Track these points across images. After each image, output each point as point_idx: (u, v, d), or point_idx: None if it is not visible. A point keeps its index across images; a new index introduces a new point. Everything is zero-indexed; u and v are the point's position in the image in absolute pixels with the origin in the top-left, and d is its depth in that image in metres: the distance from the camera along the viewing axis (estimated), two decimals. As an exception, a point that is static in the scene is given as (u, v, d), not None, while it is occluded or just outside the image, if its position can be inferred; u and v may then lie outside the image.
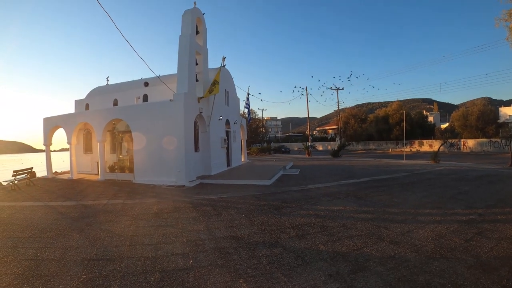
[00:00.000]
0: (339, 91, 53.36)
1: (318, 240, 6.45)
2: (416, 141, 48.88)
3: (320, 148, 64.29)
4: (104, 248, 6.41)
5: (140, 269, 5.33)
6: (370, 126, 57.07)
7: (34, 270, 5.49)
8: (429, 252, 5.68)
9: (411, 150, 47.69)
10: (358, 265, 5.19)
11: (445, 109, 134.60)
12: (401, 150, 43.69)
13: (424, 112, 75.53)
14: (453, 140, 43.56)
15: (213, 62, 31.47)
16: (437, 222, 7.57)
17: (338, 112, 58.38)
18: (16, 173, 16.02)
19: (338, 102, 55.48)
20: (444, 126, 66.84)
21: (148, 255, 5.94)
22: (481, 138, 41.48)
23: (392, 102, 64.23)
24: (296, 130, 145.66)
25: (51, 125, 21.10)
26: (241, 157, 27.37)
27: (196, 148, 17.16)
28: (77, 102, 25.27)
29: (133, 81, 23.89)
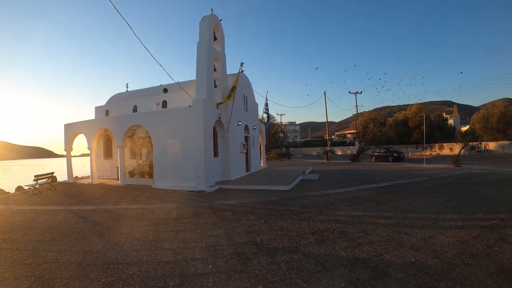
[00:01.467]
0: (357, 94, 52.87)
1: (338, 246, 6.37)
2: (436, 145, 47.79)
3: (339, 153, 63.23)
4: (124, 252, 6.45)
5: (159, 273, 5.34)
6: (390, 130, 55.74)
7: (55, 273, 5.56)
8: (450, 258, 5.55)
9: (431, 153, 46.57)
10: (379, 271, 5.09)
11: (465, 111, 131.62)
12: (421, 154, 42.94)
13: (444, 114, 73.77)
14: (474, 143, 42.56)
15: (231, 67, 31.67)
16: (458, 228, 7.39)
17: (357, 116, 57.59)
18: (37, 177, 16.33)
19: (356, 106, 54.68)
20: (464, 128, 65.14)
21: (167, 260, 5.95)
22: (503, 140, 40.43)
23: (411, 105, 63.28)
24: (314, 135, 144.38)
25: (72, 131, 21.50)
26: (260, 162, 27.37)
27: (215, 154, 17.21)
28: (97, 109, 25.64)
29: (152, 88, 24.12)
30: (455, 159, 23.91)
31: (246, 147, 21.35)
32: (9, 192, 18.04)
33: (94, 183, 19.49)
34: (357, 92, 52.86)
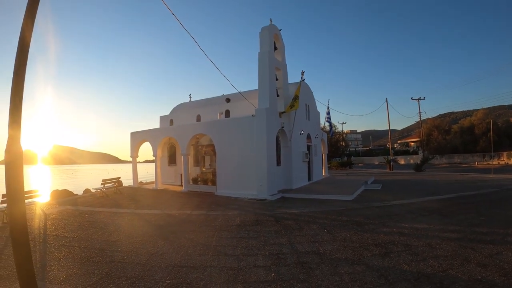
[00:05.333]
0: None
1: (402, 259, 6.05)
2: (505, 153, 44.82)
3: (402, 162, 60.60)
4: (188, 256, 6.49)
5: (223, 278, 5.31)
6: (455, 137, 53.40)
7: (120, 271, 5.70)
8: (518, 276, 5.09)
9: (498, 163, 43.72)
10: (443, 287, 4.76)
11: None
12: (488, 163, 40.33)
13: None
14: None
15: (292, 76, 31.54)
16: (528, 243, 6.80)
17: (420, 123, 54.94)
18: (105, 181, 17.20)
19: (419, 112, 52.03)
20: (535, 134, 60.65)
21: (230, 266, 5.92)
22: None
23: (476, 110, 59.97)
24: (376, 143, 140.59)
25: (138, 139, 22.42)
26: (322, 171, 27.04)
27: (278, 162, 17.12)
28: (162, 118, 26.54)
29: (215, 98, 24.60)
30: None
31: (308, 156, 21.11)
32: (77, 194, 18.90)
33: (158, 188, 20.11)
34: (419, 98, 50.63)
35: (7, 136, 3.79)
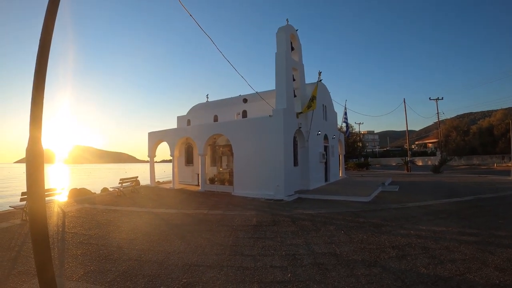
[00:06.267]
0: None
1: (419, 262, 5.98)
2: (525, 155, 43.82)
3: (420, 163, 59.51)
4: (204, 255, 6.52)
5: (239, 278, 5.32)
6: (473, 138, 52.26)
7: (137, 269, 5.75)
8: (537, 281, 4.96)
9: (519, 165, 42.71)
10: None
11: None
12: (507, 165, 39.27)
13: (533, 120, 67.42)
14: None
15: (309, 76, 31.39)
16: (547, 248, 6.63)
17: (438, 124, 54.01)
18: (122, 181, 17.44)
19: (438, 113, 51.03)
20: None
21: (247, 266, 5.93)
22: None
23: (495, 111, 58.53)
24: (394, 144, 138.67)
25: (155, 139, 22.58)
26: (338, 172, 26.88)
27: (295, 163, 17.05)
28: (179, 118, 26.69)
29: (232, 98, 24.61)
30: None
31: (325, 156, 20.98)
32: (95, 193, 19.15)
33: (175, 188, 20.25)
34: (438, 98, 49.73)
35: (28, 136, 3.85)
